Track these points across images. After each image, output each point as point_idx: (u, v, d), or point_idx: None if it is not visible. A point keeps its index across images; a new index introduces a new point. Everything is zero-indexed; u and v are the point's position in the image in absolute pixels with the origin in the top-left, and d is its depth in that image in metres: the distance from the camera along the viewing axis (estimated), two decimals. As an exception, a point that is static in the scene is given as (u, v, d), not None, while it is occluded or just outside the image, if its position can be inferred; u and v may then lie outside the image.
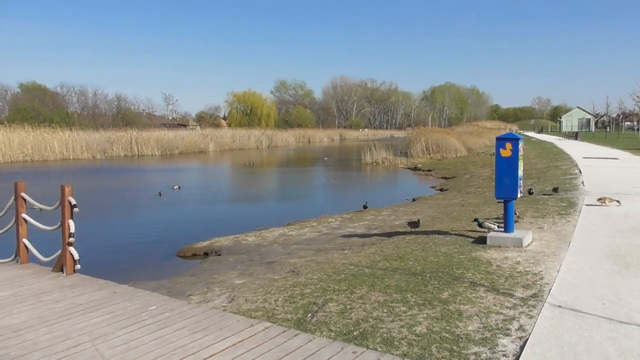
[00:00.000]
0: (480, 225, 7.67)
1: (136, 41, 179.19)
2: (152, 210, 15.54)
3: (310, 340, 3.80)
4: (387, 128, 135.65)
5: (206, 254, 9.15)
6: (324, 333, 4.03)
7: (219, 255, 8.81)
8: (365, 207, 12.88)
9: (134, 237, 11.64)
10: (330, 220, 11.61)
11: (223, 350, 3.61)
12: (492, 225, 7.54)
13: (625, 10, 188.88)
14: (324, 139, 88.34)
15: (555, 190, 11.24)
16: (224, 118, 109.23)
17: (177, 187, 19.91)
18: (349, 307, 4.61)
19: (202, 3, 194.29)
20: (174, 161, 40.03)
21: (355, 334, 4.00)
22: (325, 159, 41.00)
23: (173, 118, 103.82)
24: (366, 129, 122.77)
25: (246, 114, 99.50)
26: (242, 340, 3.79)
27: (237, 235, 10.23)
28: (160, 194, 17.91)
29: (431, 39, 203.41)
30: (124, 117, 72.83)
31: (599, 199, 9.54)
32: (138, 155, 45.34)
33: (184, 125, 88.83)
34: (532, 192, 11.39)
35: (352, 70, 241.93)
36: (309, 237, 9.68)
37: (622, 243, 6.61)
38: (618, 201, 9.45)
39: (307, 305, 4.74)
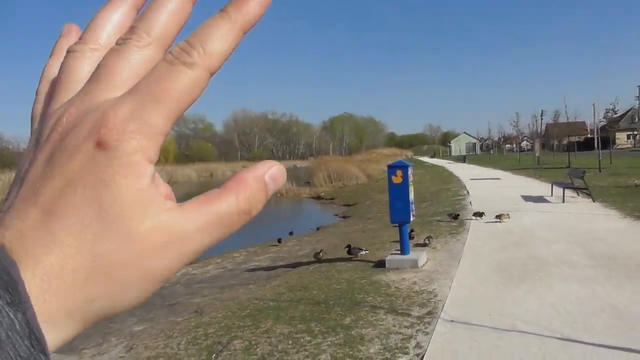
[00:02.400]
0: (349, 251, 8.03)
1: (14, 69, 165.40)
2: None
3: (215, 382, 3.71)
4: (290, 158, 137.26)
5: (102, 302, 8.55)
6: (229, 372, 3.96)
7: (116, 301, 8.28)
8: (279, 240, 12.55)
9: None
10: (235, 255, 11.43)
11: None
12: (360, 251, 8.05)
13: (501, 49, 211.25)
14: (227, 172, 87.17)
15: (456, 217, 11.24)
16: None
17: None
18: (254, 342, 4.57)
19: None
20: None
21: (261, 369, 3.97)
22: None
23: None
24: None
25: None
26: (141, 390, 3.60)
27: (136, 279, 9.70)
28: None
29: (327, 71, 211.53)
30: (1, 158, 66.47)
31: (497, 216, 10.41)
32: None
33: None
34: (458, 216, 11.22)
35: (253, 102, 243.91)
36: (213, 275, 9.45)
37: (505, 257, 7.25)
38: (507, 214, 10.46)
39: (211, 345, 4.62)
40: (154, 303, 7.67)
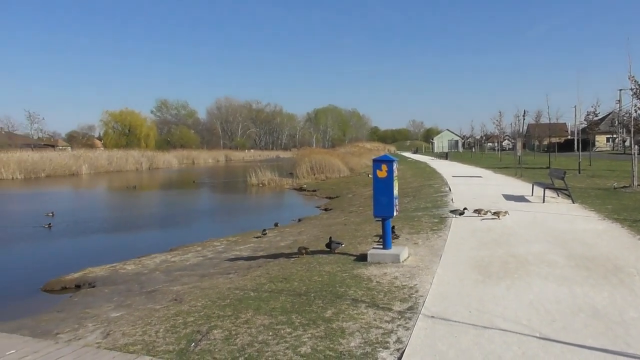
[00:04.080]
0: (328, 245, 8.01)
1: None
2: (13, 240, 13.90)
3: (193, 372, 3.66)
4: (272, 149, 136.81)
5: (78, 287, 8.40)
6: (208, 362, 3.91)
7: (93, 287, 8.13)
8: (264, 232, 12.16)
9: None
10: (216, 244, 11.34)
11: (95, 392, 3.33)
12: (339, 244, 8.06)
13: (482, 49, 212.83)
14: (208, 160, 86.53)
15: (461, 213, 10.93)
16: (99, 138, 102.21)
17: (50, 213, 18.02)
18: (234, 332, 4.52)
19: (72, 13, 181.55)
20: (41, 185, 36.43)
21: (240, 360, 3.93)
22: (205, 181, 40.10)
23: (39, 138, 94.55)
24: (252, 150, 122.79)
25: (124, 134, 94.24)
26: (118, 378, 3.53)
27: (114, 265, 9.55)
28: (50, 225, 15.70)
29: (312, 62, 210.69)
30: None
31: (494, 212, 10.56)
32: (-4, 178, 40.59)
33: (52, 146, 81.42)
34: (464, 212, 10.93)
35: (237, 91, 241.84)
36: (193, 263, 9.35)
37: (485, 255, 7.31)
38: (506, 211, 10.63)
39: (190, 334, 4.56)
40: (131, 289, 7.57)
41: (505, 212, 10.54)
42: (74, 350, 4.19)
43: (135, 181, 39.05)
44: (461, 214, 10.85)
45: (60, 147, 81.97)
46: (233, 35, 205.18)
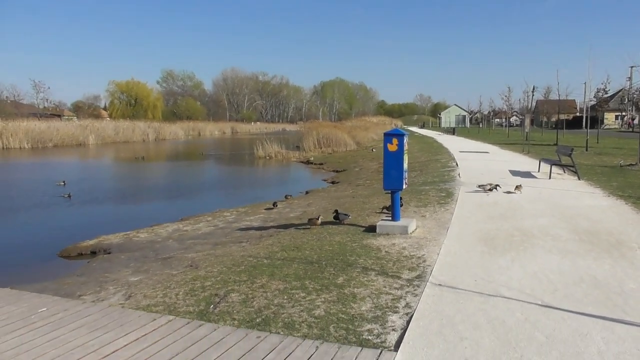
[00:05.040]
0: (336, 217, 8.22)
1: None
2: (29, 208, 14.22)
3: (215, 329, 3.90)
4: (279, 121, 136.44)
5: (94, 253, 8.67)
6: (228, 322, 4.15)
7: (109, 253, 8.41)
8: (275, 204, 12.05)
9: (6, 238, 10.64)
10: (226, 215, 11.58)
11: (126, 345, 3.58)
12: (346, 216, 8.29)
13: (493, 22, 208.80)
14: (215, 132, 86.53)
15: (492, 189, 10.85)
16: (105, 109, 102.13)
17: (62, 182, 18.27)
18: (250, 296, 4.76)
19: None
20: (50, 155, 36.74)
21: (258, 320, 4.17)
22: (212, 153, 40.27)
23: (45, 107, 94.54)
24: (258, 122, 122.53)
25: (130, 104, 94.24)
26: (146, 334, 3.78)
27: (128, 233, 9.82)
28: (69, 195, 15.71)
29: (320, 34, 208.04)
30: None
31: (517, 187, 10.76)
32: (3, 147, 40.91)
33: (59, 116, 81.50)
34: (495, 188, 10.86)
35: (243, 62, 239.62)
36: (205, 232, 9.60)
37: (491, 227, 7.50)
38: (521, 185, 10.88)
39: (209, 297, 4.80)
40: (147, 256, 7.83)
41: (520, 186, 10.78)
42: (101, 309, 4.45)
43: (143, 152, 39.30)
44: (490, 189, 10.85)
45: (66, 117, 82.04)
46: (240, 4, 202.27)
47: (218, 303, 4.60)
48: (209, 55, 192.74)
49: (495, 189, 10.87)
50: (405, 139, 7.43)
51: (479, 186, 11.20)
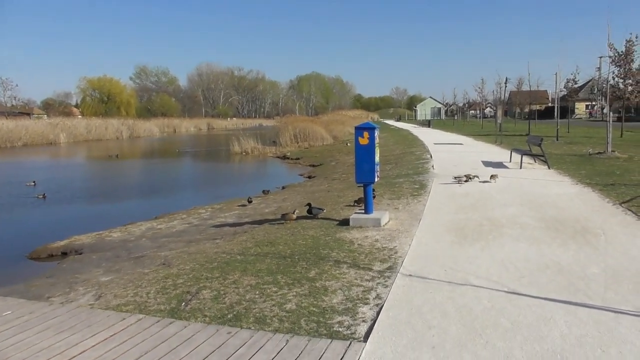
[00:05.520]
0: (309, 211, 8.26)
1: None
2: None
3: (186, 327, 3.89)
4: (255, 117, 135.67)
5: (65, 254, 8.52)
6: (199, 319, 4.14)
7: (80, 254, 8.27)
8: (250, 200, 11.92)
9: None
10: (201, 212, 11.50)
11: (94, 345, 3.54)
12: (320, 210, 8.32)
13: (465, 16, 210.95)
14: (190, 128, 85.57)
15: (467, 180, 11.13)
16: (77, 106, 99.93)
17: (32, 183, 17.81)
18: (222, 292, 4.76)
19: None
20: (19, 154, 35.86)
21: (229, 316, 4.17)
22: (188, 150, 39.85)
23: (13, 105, 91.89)
24: (234, 118, 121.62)
25: (103, 101, 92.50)
26: (114, 334, 3.75)
27: (100, 232, 9.68)
28: (44, 196, 15.26)
29: (296, 28, 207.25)
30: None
31: (491, 176, 11.09)
32: (-30, 147, 39.78)
33: (28, 114, 79.48)
34: (471, 179, 11.10)
35: (218, 57, 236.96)
36: (179, 229, 9.52)
37: (462, 218, 7.62)
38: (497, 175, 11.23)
39: (180, 294, 4.78)
40: (119, 255, 7.74)
41: (496, 175, 11.12)
42: (68, 310, 4.39)
43: (117, 150, 38.63)
44: (466, 181, 11.05)
45: (36, 115, 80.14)
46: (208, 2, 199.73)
47: (189, 300, 4.58)
48: (184, 50, 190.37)
49: (471, 179, 11.06)
50: (377, 133, 7.48)
51: (455, 178, 11.35)
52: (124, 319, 4.08)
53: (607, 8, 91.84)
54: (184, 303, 4.52)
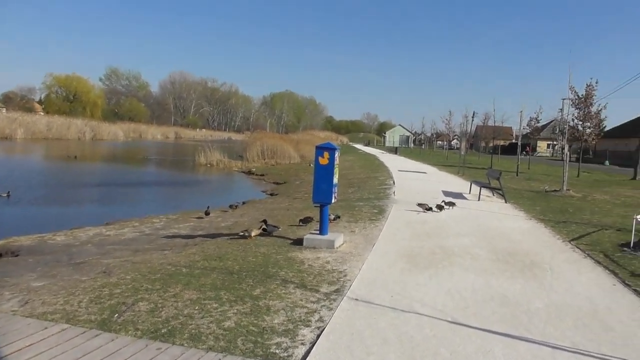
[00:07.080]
0: (264, 229, 8.14)
1: None
2: None
3: (113, 340, 3.66)
4: (225, 130, 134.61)
5: (-1, 255, 8.06)
6: (130, 332, 3.91)
7: (16, 256, 7.83)
8: (207, 212, 11.78)
9: None
10: (155, 221, 11.17)
11: (6, 356, 3.27)
12: (275, 228, 8.25)
13: (436, 45, 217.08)
14: (157, 136, 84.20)
15: (449, 204, 11.45)
16: (40, 102, 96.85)
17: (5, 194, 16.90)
18: (160, 305, 4.54)
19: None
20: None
21: (163, 331, 3.96)
22: (152, 157, 39.04)
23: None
24: (204, 129, 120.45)
25: (68, 100, 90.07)
26: (32, 344, 3.48)
27: (43, 235, 9.24)
28: (9, 195, 14.59)
29: (272, 44, 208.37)
30: None
31: (447, 203, 11.42)
32: None
33: (-16, 106, 76.50)
34: (443, 207, 11.18)
35: (192, 67, 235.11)
36: (128, 238, 9.18)
37: (415, 245, 7.62)
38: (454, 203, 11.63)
39: (115, 305, 4.53)
40: (59, 260, 7.36)
41: (454, 203, 11.46)
42: (-14, 316, 4.07)
43: (77, 151, 37.50)
44: (428, 209, 10.94)
45: (-5, 109, 77.21)
46: (192, 6, 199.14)
47: (124, 312, 4.34)
48: (157, 57, 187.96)
49: (431, 210, 10.97)
50: (337, 154, 7.44)
51: (419, 205, 11.29)
52: (46, 328, 3.81)
53: (569, 52, 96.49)
54: (117, 314, 4.27)
